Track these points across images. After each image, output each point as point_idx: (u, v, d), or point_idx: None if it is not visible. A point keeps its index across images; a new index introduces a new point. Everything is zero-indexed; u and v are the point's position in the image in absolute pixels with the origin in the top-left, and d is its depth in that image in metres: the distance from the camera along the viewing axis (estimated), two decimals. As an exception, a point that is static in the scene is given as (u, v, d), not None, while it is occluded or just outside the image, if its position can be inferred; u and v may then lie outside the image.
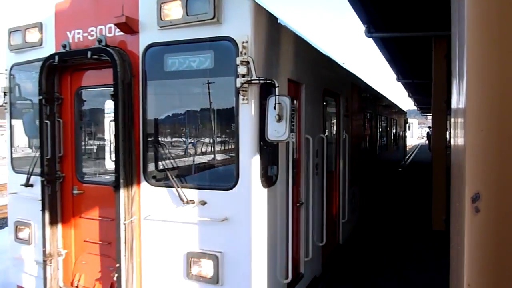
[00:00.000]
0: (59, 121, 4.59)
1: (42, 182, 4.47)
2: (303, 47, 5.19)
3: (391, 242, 8.58)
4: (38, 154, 4.52)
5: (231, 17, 3.68)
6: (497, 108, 1.44)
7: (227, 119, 3.95)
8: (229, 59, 3.68)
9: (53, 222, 4.52)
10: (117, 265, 4.01)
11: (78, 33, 4.42)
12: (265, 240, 3.94)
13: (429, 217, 9.84)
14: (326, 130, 6.58)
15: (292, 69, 4.70)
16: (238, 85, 3.61)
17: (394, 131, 19.04)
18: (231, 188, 3.77)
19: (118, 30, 4.11)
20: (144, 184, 4.13)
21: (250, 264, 3.75)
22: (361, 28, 10.16)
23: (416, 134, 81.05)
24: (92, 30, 4.33)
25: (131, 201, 4.05)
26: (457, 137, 1.91)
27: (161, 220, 4.05)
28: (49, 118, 4.47)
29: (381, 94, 13.87)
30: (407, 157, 30.52)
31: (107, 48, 4.01)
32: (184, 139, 4.41)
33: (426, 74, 13.01)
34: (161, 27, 3.92)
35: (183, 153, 4.34)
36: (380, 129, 13.92)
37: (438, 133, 10.38)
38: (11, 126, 5.28)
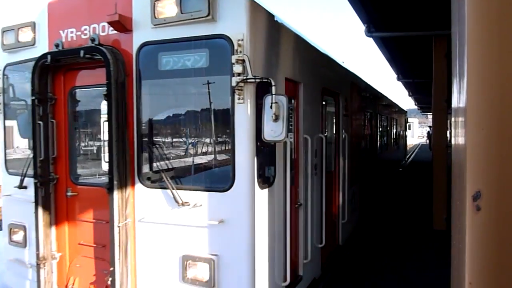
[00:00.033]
0: (53, 122, 4.51)
1: (35, 184, 4.39)
2: (301, 45, 5.11)
3: (391, 242, 8.52)
4: (31, 155, 4.45)
5: (226, 15, 3.61)
6: (497, 106, 1.45)
7: (223, 119, 3.87)
8: (224, 57, 3.61)
9: (46, 224, 4.45)
10: (111, 268, 3.93)
11: (71, 32, 4.34)
12: (262, 243, 3.86)
13: (430, 216, 9.79)
14: (326, 130, 6.51)
15: (289, 68, 4.62)
16: (234, 84, 3.53)
17: (394, 130, 18.98)
18: (227, 190, 3.70)
19: (111, 28, 4.04)
20: (138, 185, 4.05)
21: (247, 267, 3.68)
22: (361, 27, 10.14)
23: (417, 133, 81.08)
24: (85, 29, 4.26)
25: (125, 203, 3.97)
26: (457, 136, 1.92)
27: (156, 223, 3.97)
28: (42, 119, 4.39)
29: (381, 94, 13.80)
30: (407, 157, 30.46)
31: (100, 47, 3.94)
32: (180, 140, 4.33)
33: (426, 73, 12.98)
34: (155, 25, 3.85)
35: (178, 154, 4.27)
36: (380, 129, 13.86)
37: (438, 132, 10.40)
38: (4, 127, 5.20)
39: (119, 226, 3.92)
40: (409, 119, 32.80)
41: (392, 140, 18.24)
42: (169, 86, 4.19)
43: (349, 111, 7.74)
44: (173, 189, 3.80)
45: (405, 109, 26.17)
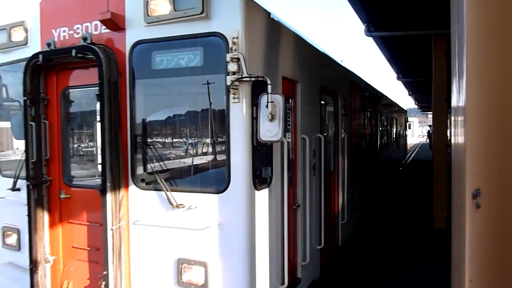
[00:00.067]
0: (45, 123, 4.42)
1: (27, 186, 4.31)
2: (298, 44, 5.03)
3: (392, 242, 8.45)
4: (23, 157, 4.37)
5: (221, 12, 3.53)
6: (496, 105, 1.46)
7: (218, 119, 3.78)
8: (219, 56, 3.52)
9: (39, 227, 4.36)
10: (105, 272, 3.85)
11: (64, 31, 4.26)
12: (259, 245, 3.78)
13: (430, 216, 9.73)
14: (325, 129, 6.43)
15: (286, 67, 4.53)
16: (229, 83, 3.45)
17: (394, 129, 18.90)
18: (222, 191, 3.61)
19: (104, 27, 3.96)
20: (132, 187, 3.97)
21: (243, 270, 3.60)
22: (361, 27, 10.09)
23: (417, 132, 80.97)
24: (77, 28, 4.18)
25: (118, 205, 3.89)
26: (457, 135, 1.93)
27: (151, 225, 3.88)
28: (34, 120, 4.31)
29: (381, 93, 13.72)
30: (408, 156, 30.37)
31: (92, 46, 3.86)
32: (174, 140, 4.25)
33: (426, 72, 12.93)
34: (148, 23, 3.77)
35: (173, 155, 4.18)
36: (380, 128, 13.78)
37: (438, 131, 10.40)
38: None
39: (112, 229, 3.83)
40: (409, 119, 32.73)
41: (392, 140, 18.16)
42: (163, 85, 4.10)
43: (348, 111, 7.66)
44: (167, 191, 3.72)
45: (405, 108, 26.09)
